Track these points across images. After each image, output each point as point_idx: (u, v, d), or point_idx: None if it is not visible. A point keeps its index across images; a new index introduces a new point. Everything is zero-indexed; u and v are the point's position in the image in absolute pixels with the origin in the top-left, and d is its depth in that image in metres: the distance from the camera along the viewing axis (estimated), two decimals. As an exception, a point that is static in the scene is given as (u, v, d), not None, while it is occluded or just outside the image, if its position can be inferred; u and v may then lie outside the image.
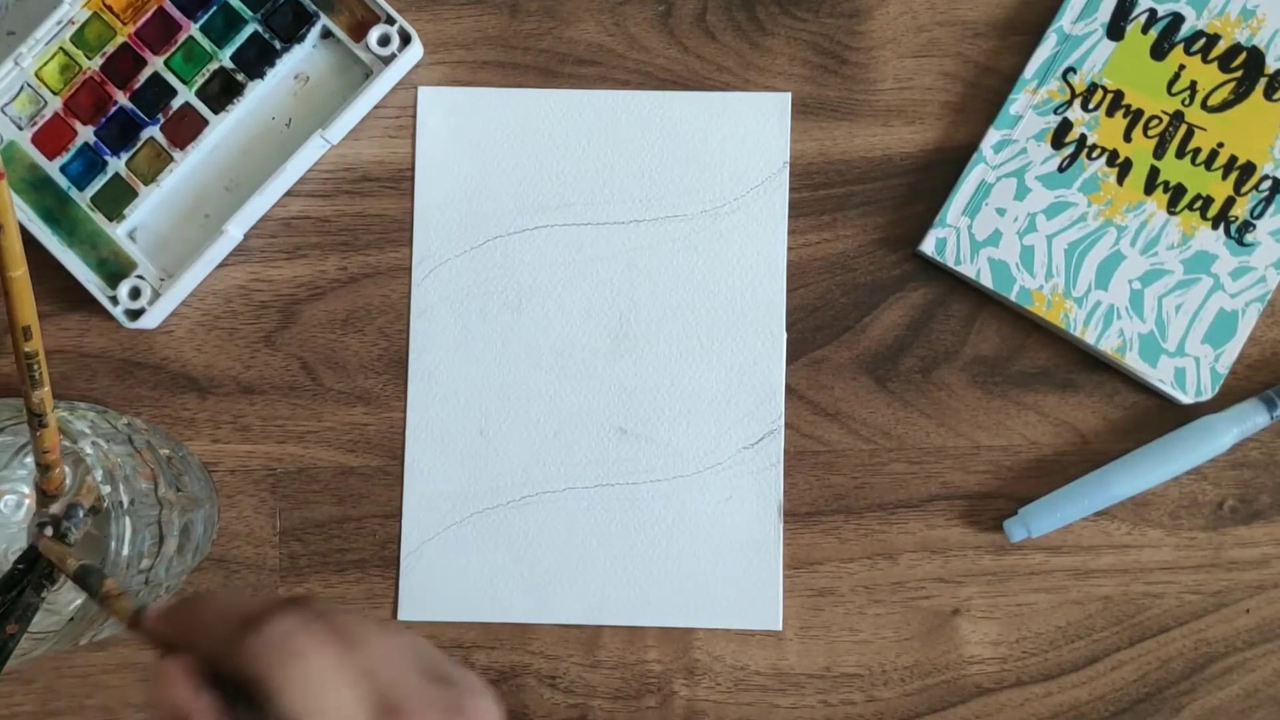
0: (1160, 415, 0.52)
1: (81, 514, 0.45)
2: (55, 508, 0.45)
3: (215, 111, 0.53)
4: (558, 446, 0.53)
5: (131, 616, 0.36)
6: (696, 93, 0.54)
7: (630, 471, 0.53)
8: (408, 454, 0.53)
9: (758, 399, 0.53)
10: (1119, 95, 0.52)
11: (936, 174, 0.53)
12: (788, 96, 0.54)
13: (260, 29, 0.53)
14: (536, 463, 0.53)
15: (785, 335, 0.53)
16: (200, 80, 0.53)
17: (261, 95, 0.53)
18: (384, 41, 0.52)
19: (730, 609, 0.52)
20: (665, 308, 0.53)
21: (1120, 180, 0.51)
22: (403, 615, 0.52)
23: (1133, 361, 0.51)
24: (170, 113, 0.53)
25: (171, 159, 0.53)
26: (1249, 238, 0.51)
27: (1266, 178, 0.51)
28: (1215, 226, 0.51)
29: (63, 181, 0.53)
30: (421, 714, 0.30)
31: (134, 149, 0.53)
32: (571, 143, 0.54)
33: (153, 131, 0.53)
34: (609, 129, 0.54)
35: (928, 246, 0.52)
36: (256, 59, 0.53)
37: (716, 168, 0.54)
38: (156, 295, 0.52)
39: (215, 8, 0.53)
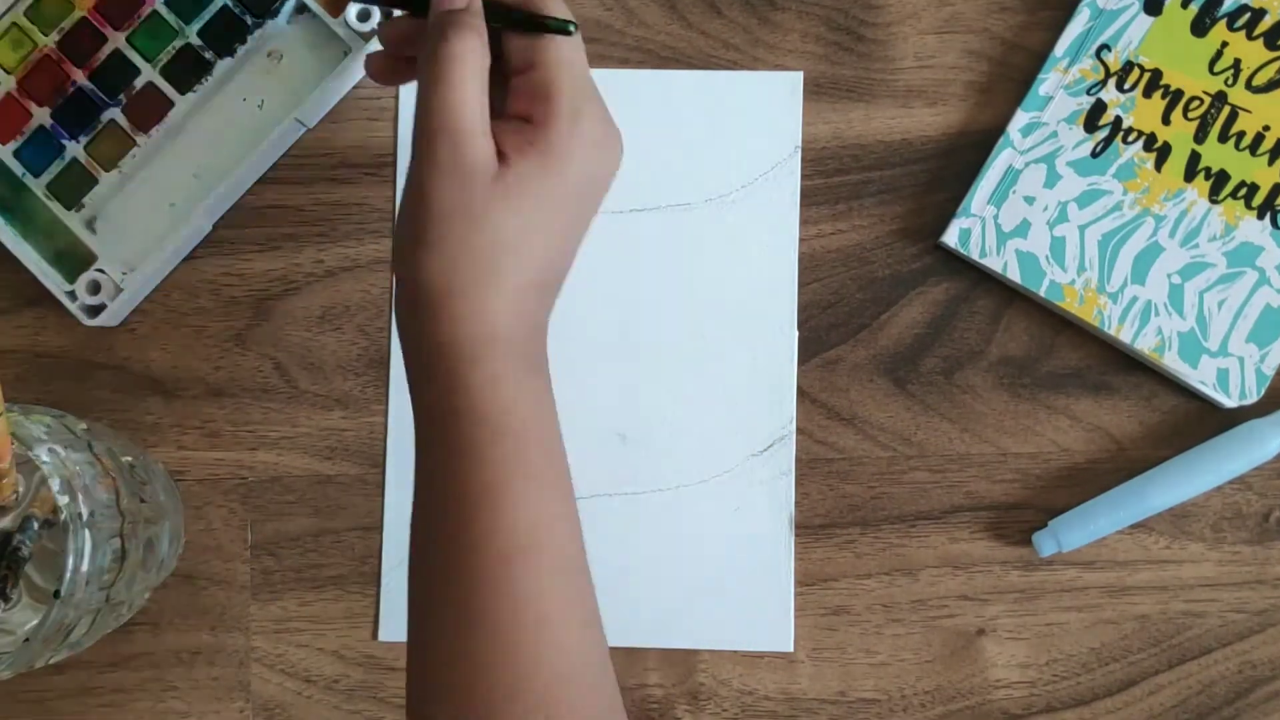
0: (1201, 420, 0.52)
1: (36, 526, 0.45)
2: (6, 521, 0.44)
3: (182, 92, 0.53)
4: (551, 454, 0.53)
5: None
6: (701, 72, 0.54)
7: (631, 481, 0.53)
8: (389, 462, 0.53)
9: (767, 402, 0.53)
10: (1157, 74, 0.52)
11: (960, 159, 0.53)
12: (799, 76, 0.54)
13: (230, 3, 0.53)
14: (528, 471, 0.53)
15: (797, 333, 0.53)
16: (165, 58, 0.53)
17: (231, 74, 0.53)
18: (364, 16, 0.52)
19: (737, 629, 0.52)
20: (668, 304, 0.53)
21: (1158, 166, 0.51)
22: (384, 635, 0.52)
23: (1172, 362, 0.51)
24: (133, 93, 0.53)
25: (134, 143, 0.53)
26: (1297, 228, 0.51)
27: (1316, 163, 0.51)
28: (1261, 216, 0.51)
29: (17, 168, 0.53)
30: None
31: (94, 133, 0.53)
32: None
33: (114, 114, 0.53)
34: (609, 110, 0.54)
35: (950, 238, 0.52)
36: (226, 35, 0.53)
37: (723, 153, 0.54)
38: (118, 290, 0.52)
39: (181, -20, 0.53)
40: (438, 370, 0.38)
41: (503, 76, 0.40)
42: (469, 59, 0.38)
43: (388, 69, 0.44)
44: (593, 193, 0.40)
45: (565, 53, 0.39)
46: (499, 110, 0.39)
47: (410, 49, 0.41)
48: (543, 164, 0.38)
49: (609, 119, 0.40)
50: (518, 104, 0.39)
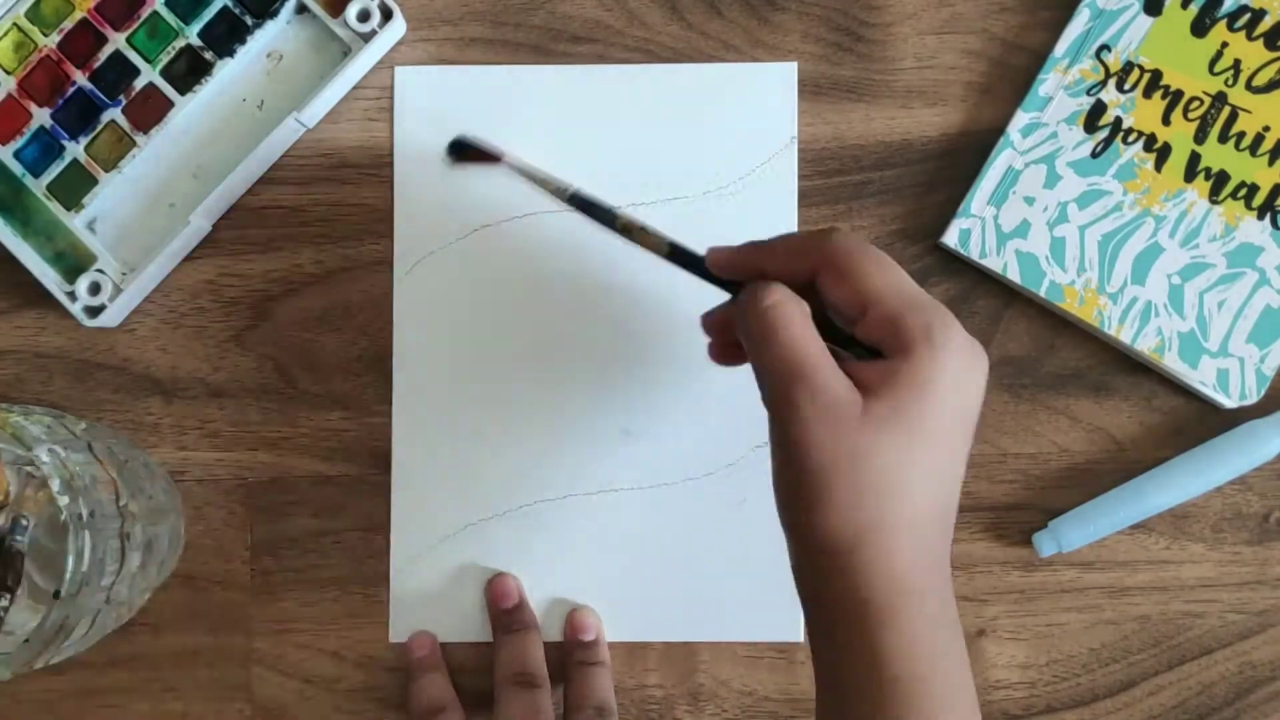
0: (1201, 420, 0.52)
1: (27, 525, 0.45)
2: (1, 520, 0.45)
3: (182, 92, 0.53)
4: (556, 451, 0.53)
5: (670, 249, 0.43)
6: (695, 65, 0.54)
7: (635, 476, 0.53)
8: (395, 463, 0.53)
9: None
10: (1157, 75, 0.52)
11: (960, 160, 0.53)
12: (793, 66, 0.54)
13: (230, 3, 0.53)
14: (533, 469, 0.53)
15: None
16: (165, 59, 0.53)
17: (231, 75, 0.53)
18: (364, 17, 0.52)
19: (746, 620, 0.52)
20: (669, 297, 0.53)
21: (1158, 167, 0.51)
22: (394, 637, 0.52)
23: (1172, 362, 0.51)
24: (133, 94, 0.53)
25: (134, 144, 0.53)
26: (1297, 229, 0.51)
27: (1316, 164, 0.51)
28: (1261, 216, 0.51)
29: (17, 168, 0.53)
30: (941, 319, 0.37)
31: (94, 133, 0.53)
32: (562, 123, 0.54)
33: (114, 114, 0.53)
34: (602, 107, 0.54)
35: (950, 238, 0.52)
36: (226, 36, 0.53)
37: (719, 146, 0.53)
38: (118, 291, 0.52)
39: (181, -20, 0.53)
40: (848, 630, 0.36)
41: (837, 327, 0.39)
42: (787, 304, 0.37)
43: (722, 353, 0.45)
44: (965, 419, 0.37)
45: (891, 281, 0.37)
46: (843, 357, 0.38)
47: (733, 333, 0.41)
48: (912, 395, 0.36)
49: (968, 340, 0.37)
50: (869, 342, 0.37)
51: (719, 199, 0.53)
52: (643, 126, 0.54)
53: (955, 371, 0.36)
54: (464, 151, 0.48)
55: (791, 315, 0.37)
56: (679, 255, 0.42)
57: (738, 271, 0.41)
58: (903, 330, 0.36)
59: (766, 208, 0.53)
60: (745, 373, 0.52)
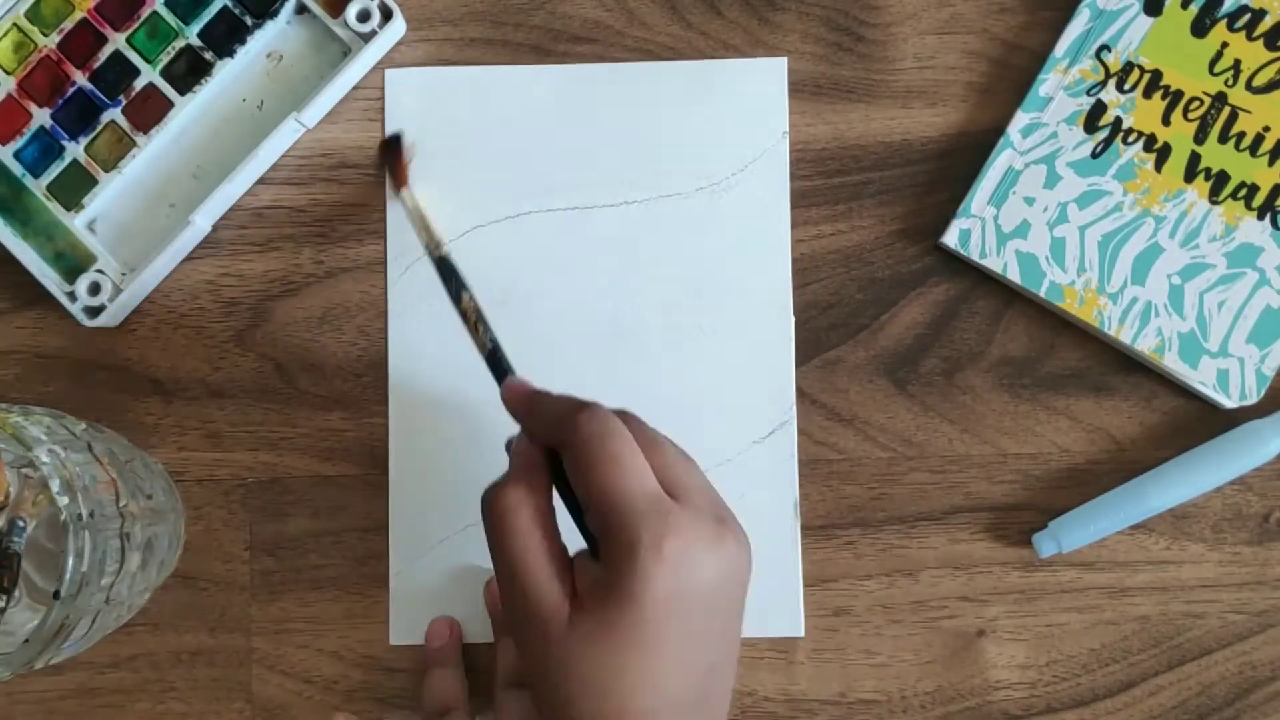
0: (1201, 420, 0.52)
1: (24, 527, 0.45)
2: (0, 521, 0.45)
3: (181, 93, 0.53)
4: (553, 452, 0.53)
5: (489, 352, 0.45)
6: (685, 62, 0.54)
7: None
8: (392, 464, 0.53)
9: (767, 390, 0.53)
10: (1157, 75, 0.52)
11: (960, 160, 0.53)
12: (783, 61, 0.54)
13: (230, 3, 0.53)
14: (530, 470, 0.53)
15: (793, 319, 0.53)
16: (165, 59, 0.53)
17: (231, 75, 0.53)
18: (363, 17, 0.52)
19: (747, 617, 0.51)
20: (664, 295, 0.53)
21: (1158, 167, 0.51)
22: (394, 639, 0.52)
23: (1172, 363, 0.51)
24: (133, 94, 0.53)
25: (134, 144, 0.53)
26: (1297, 229, 0.51)
27: (1316, 164, 0.51)
28: (1261, 217, 0.51)
29: (17, 168, 0.53)
30: (696, 506, 0.37)
31: (94, 133, 0.53)
32: (554, 122, 0.54)
33: (114, 114, 0.53)
34: (593, 105, 0.54)
35: (950, 238, 0.52)
36: (226, 36, 0.53)
37: (712, 141, 0.53)
38: (118, 291, 0.52)
39: (181, -19, 0.53)
40: None
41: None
42: (516, 511, 0.38)
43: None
44: (696, 619, 0.36)
45: (613, 483, 0.36)
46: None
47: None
48: (618, 608, 0.35)
49: (694, 540, 0.36)
50: (595, 537, 0.38)
51: (712, 194, 0.53)
52: (634, 123, 0.54)
53: (671, 582, 0.35)
54: (392, 153, 0.51)
55: (516, 526, 0.38)
56: (494, 361, 0.45)
57: (518, 416, 0.42)
58: (609, 543, 0.36)
59: (760, 202, 0.53)
60: (742, 371, 0.53)
